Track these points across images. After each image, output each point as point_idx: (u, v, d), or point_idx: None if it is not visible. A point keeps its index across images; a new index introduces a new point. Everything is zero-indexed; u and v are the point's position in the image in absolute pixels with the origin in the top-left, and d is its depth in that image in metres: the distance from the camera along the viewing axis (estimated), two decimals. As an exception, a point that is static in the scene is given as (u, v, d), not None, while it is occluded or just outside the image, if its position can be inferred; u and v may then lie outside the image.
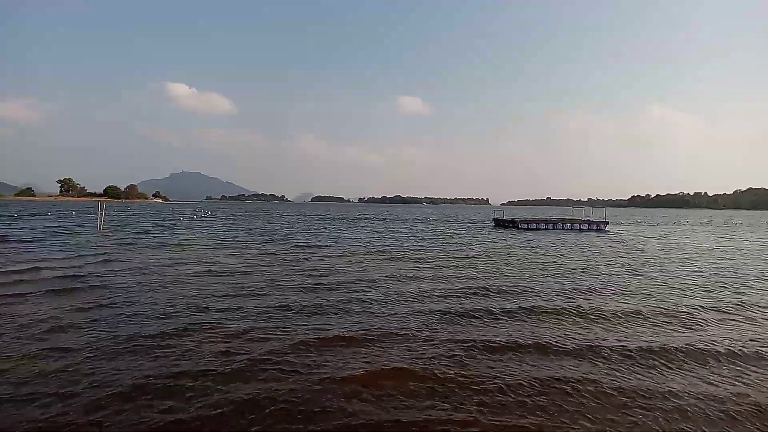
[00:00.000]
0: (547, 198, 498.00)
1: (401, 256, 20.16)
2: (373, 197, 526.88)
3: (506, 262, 18.64)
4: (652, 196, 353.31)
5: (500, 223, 50.26)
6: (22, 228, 32.74)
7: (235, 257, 18.77)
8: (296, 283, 12.76)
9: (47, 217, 50.93)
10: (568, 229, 43.33)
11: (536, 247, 25.23)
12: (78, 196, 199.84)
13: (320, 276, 14.15)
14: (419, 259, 19.19)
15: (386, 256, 19.81)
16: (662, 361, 7.10)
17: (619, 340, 8.04)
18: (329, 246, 24.27)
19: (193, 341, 7.49)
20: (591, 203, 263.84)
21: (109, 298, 10.46)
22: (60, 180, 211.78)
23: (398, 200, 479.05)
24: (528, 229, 42.60)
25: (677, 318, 9.75)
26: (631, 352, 7.43)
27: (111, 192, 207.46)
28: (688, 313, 10.13)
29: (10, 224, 36.98)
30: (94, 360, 6.60)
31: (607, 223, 45.88)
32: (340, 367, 6.50)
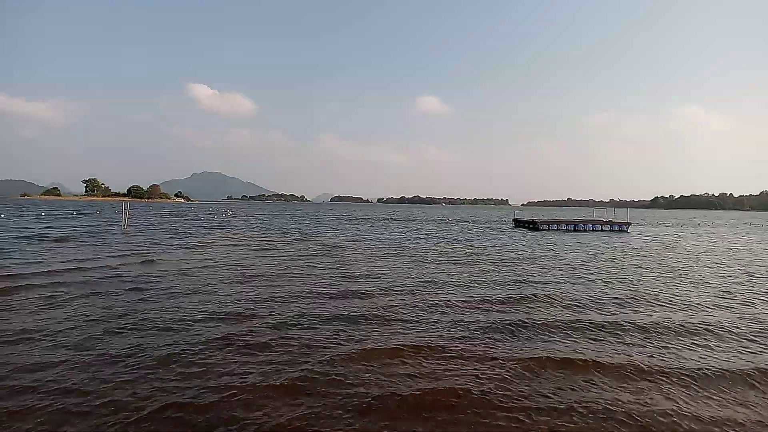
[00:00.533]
0: (568, 198, 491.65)
1: (431, 258, 19.55)
2: (392, 197, 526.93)
3: (540, 265, 17.80)
4: (676, 197, 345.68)
5: (520, 224, 49.87)
6: (49, 227, 33.57)
7: (269, 258, 18.59)
8: (342, 288, 12.32)
9: (73, 216, 52.13)
10: (589, 230, 42.73)
11: (561, 249, 24.70)
12: (102, 196, 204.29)
13: (365, 280, 13.70)
14: (456, 261, 18.64)
15: (419, 258, 19.31)
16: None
17: (702, 361, 7.03)
18: (373, 247, 24.11)
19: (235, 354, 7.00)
20: (613, 204, 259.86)
21: (154, 300, 10.33)
22: (85, 180, 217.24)
23: (417, 200, 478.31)
24: (549, 230, 42.17)
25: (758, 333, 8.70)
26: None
27: (134, 192, 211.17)
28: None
29: (39, 223, 37.95)
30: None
31: (630, 224, 45.13)
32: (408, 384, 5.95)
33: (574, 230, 42.54)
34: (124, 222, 37.57)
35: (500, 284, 13.31)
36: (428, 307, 10.21)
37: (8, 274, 13.03)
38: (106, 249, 20.20)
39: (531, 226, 45.95)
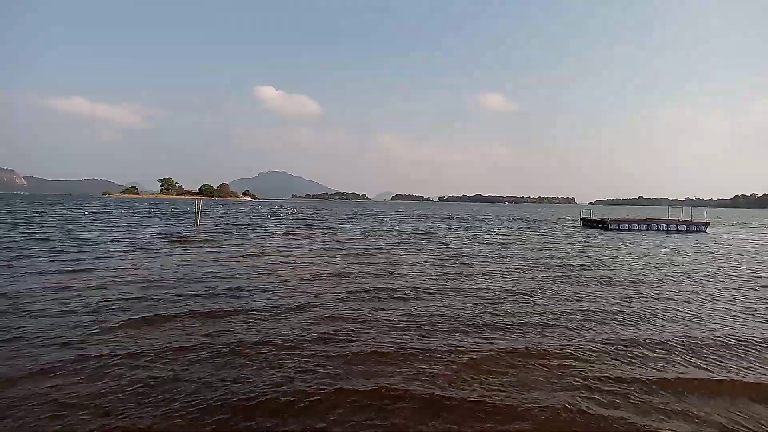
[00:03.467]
0: (639, 197, 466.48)
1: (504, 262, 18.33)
2: (453, 196, 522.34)
3: (625, 270, 16.48)
4: (759, 195, 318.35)
5: (588, 223, 48.29)
6: (127, 226, 36.55)
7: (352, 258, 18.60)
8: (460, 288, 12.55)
9: (152, 213, 56.15)
10: (663, 230, 40.94)
11: (638, 250, 23.56)
12: (176, 194, 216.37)
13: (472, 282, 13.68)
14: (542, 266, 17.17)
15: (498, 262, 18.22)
16: None
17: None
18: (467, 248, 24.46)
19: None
20: (689, 203, 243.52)
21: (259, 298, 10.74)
22: (160, 179, 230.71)
23: (479, 199, 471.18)
24: (619, 230, 40.74)
25: None
26: None
27: (206, 190, 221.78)
28: None
29: (112, 219, 41.51)
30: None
31: (708, 224, 42.69)
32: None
33: (647, 230, 41.00)
34: (197, 219, 39.73)
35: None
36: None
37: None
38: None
39: (600, 225, 44.54)
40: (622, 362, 6.95)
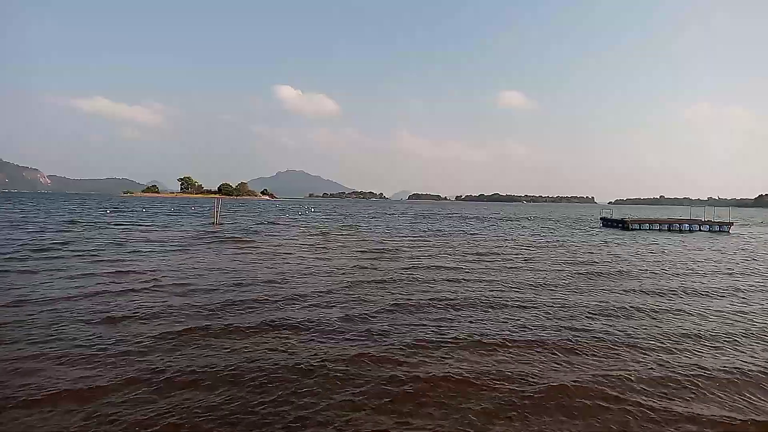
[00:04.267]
0: (660, 196, 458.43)
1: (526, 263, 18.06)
2: (471, 195, 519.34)
3: (659, 273, 15.87)
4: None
5: (608, 223, 47.74)
6: (151, 223, 37.24)
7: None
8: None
9: (176, 211, 57.14)
10: (685, 230, 40.27)
11: (663, 251, 23.21)
12: (196, 193, 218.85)
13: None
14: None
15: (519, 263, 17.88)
16: None
17: None
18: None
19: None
20: (711, 202, 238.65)
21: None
22: (180, 178, 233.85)
23: (496, 198, 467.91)
24: (640, 230, 40.20)
25: None
26: None
27: (224, 189, 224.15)
28: None
29: (138, 218, 42.35)
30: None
31: (731, 224, 41.80)
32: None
33: (669, 230, 40.36)
34: (216, 217, 40.43)
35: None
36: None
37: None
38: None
39: (621, 225, 43.92)
40: None
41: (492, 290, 12.19)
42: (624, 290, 12.69)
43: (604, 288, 12.98)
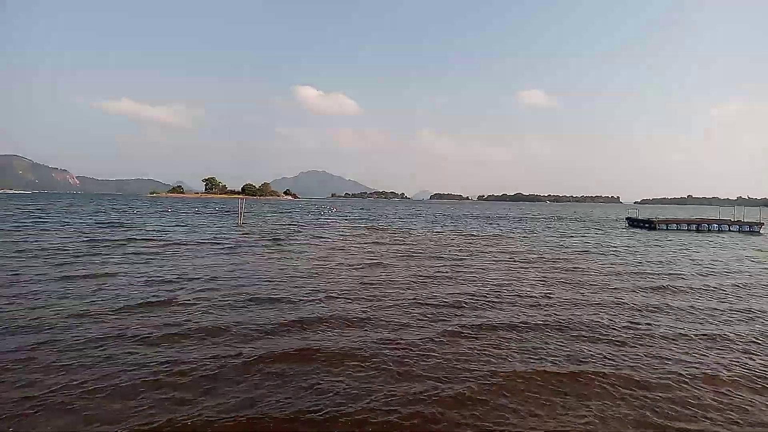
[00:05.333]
0: (688, 196, 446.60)
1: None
2: (493, 195, 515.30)
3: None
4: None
5: (634, 223, 47.57)
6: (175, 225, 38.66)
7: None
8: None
9: (204, 212, 58.81)
10: (714, 230, 40.04)
11: (696, 253, 22.93)
12: (220, 193, 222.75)
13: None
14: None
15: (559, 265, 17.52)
16: None
17: None
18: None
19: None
20: (741, 202, 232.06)
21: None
22: (205, 179, 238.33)
23: (519, 198, 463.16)
24: (668, 230, 40.14)
25: None
26: None
27: (248, 189, 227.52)
28: None
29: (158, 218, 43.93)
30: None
31: (762, 224, 41.09)
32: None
33: (697, 230, 40.15)
34: (240, 218, 41.06)
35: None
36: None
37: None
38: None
39: (647, 225, 43.87)
40: None
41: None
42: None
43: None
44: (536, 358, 7.22)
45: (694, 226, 41.14)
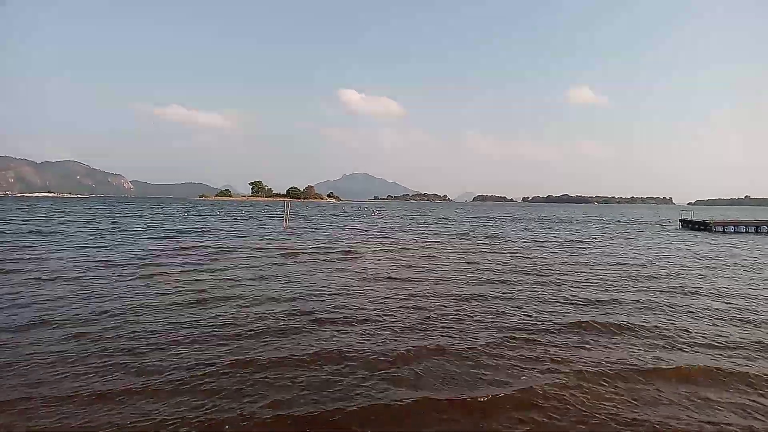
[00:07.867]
0: (746, 196, 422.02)
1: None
2: (538, 196, 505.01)
3: None
4: None
5: (689, 225, 46.31)
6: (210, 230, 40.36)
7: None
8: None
9: (244, 216, 60.84)
10: (776, 232, 38.75)
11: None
12: (266, 197, 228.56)
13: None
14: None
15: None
16: None
17: None
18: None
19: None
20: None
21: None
22: (251, 182, 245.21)
23: (565, 199, 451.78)
24: (725, 232, 39.10)
25: None
26: None
27: (292, 193, 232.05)
28: None
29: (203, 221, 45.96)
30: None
31: (828, 224, 39.25)
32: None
33: (756, 232, 38.94)
34: (286, 221, 40.53)
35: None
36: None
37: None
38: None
39: (702, 227, 42.75)
40: None
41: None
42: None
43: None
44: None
45: (753, 228, 39.88)
